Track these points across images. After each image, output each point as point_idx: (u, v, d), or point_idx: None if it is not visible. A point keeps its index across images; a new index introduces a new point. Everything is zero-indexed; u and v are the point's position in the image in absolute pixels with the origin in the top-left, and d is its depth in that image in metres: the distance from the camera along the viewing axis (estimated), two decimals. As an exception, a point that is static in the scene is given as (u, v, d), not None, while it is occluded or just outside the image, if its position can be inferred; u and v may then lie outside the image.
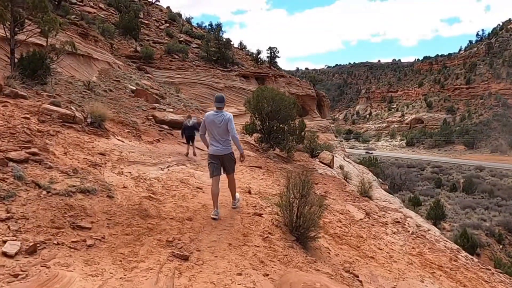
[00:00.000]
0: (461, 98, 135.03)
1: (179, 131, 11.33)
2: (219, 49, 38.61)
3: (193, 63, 35.27)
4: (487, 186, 62.83)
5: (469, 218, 46.84)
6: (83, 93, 11.12)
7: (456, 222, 44.80)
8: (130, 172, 6.06)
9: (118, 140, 7.97)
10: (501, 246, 39.15)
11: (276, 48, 48.18)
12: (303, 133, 14.43)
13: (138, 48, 30.97)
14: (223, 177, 5.97)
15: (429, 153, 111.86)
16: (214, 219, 5.46)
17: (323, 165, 19.43)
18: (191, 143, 10.10)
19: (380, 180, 37.21)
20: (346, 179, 13.62)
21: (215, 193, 5.78)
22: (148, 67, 27.90)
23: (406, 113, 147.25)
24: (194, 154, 9.91)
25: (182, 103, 20.11)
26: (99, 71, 16.19)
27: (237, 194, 6.26)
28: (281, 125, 13.48)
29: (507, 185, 65.23)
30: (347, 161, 33.56)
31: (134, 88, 15.51)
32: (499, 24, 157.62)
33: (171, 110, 15.12)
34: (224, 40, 40.16)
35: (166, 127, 12.59)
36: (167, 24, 41.52)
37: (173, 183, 6.22)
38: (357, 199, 9.25)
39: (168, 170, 7.11)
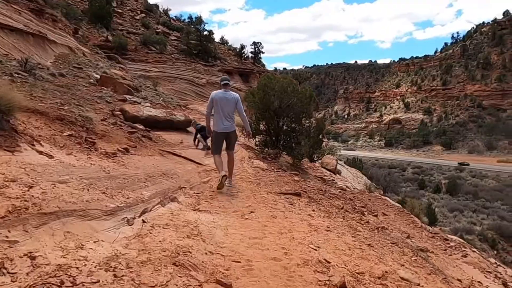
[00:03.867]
0: (438, 99, 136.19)
1: (163, 134, 8.30)
2: (200, 42, 35.34)
3: (172, 56, 31.87)
4: (470, 187, 62.19)
5: (459, 221, 45.47)
6: (15, 75, 7.59)
7: (447, 226, 43.12)
8: (31, 257, 2.28)
9: (42, 153, 4.06)
10: (495, 252, 37.81)
11: (261, 43, 45.30)
12: (321, 135, 11.55)
13: (110, 38, 27.33)
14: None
15: (408, 153, 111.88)
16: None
17: (328, 172, 16.69)
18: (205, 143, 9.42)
19: (374, 184, 35.15)
20: (384, 194, 10.83)
21: (220, 163, 6.11)
22: (121, 58, 24.36)
23: (384, 113, 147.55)
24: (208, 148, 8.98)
25: (161, 98, 16.86)
26: (56, 56, 12.79)
27: None
28: (293, 125, 10.56)
29: (489, 186, 64.82)
30: (341, 164, 31.16)
31: (99, 77, 12.09)
32: (473, 27, 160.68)
33: (148, 104, 11.85)
34: (205, 32, 36.94)
35: (140, 127, 8.96)
36: (143, 15, 37.81)
37: (155, 275, 2.53)
38: (445, 240, 6.38)
39: (144, 223, 3.57)
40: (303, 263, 3.28)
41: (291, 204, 5.53)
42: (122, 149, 5.95)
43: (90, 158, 4.79)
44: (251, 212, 4.78)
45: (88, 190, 3.55)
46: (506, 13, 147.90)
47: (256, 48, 44.51)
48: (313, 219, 4.86)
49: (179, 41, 35.46)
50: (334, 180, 11.91)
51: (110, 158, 5.19)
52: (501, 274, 5.26)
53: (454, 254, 5.49)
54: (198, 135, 10.01)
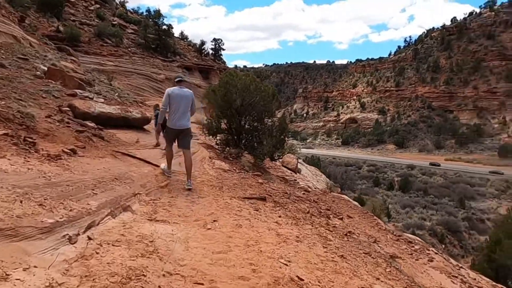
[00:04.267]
0: (391, 100, 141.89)
1: (117, 132, 7.65)
2: (159, 36, 34.17)
3: (129, 49, 30.53)
4: (420, 184, 65.22)
5: (410, 217, 47.57)
6: None
7: (399, 222, 44.93)
8: None
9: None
10: (443, 246, 39.86)
11: (221, 40, 44.68)
12: (283, 135, 11.30)
13: (61, 28, 25.63)
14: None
15: (364, 151, 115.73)
16: (168, 175, 6.24)
17: (289, 171, 16.58)
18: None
19: (332, 182, 35.75)
20: (342, 192, 10.77)
21: (171, 157, 6.33)
22: (73, 50, 22.88)
23: (341, 113, 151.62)
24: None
25: (117, 94, 15.92)
26: (-3, 44, 11.58)
27: None
28: (255, 124, 10.23)
29: (437, 183, 68.25)
30: (301, 163, 31.37)
31: (46, 69, 11.06)
32: (424, 32, 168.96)
33: (102, 100, 11.03)
34: (164, 26, 35.78)
35: (91, 124, 8.12)
36: (98, 6, 35.90)
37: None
38: (409, 243, 6.28)
39: (90, 241, 3.05)
40: (274, 282, 2.94)
41: (257, 210, 5.15)
42: (68, 150, 5.27)
43: (27, 161, 4.14)
44: (214, 221, 4.37)
45: (21, 202, 2.97)
46: (453, 19, 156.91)
47: (217, 45, 43.84)
48: (281, 227, 4.53)
49: (136, 35, 34.05)
50: (296, 180, 11.76)
51: (53, 161, 4.54)
52: (466, 278, 5.26)
53: (421, 258, 5.42)
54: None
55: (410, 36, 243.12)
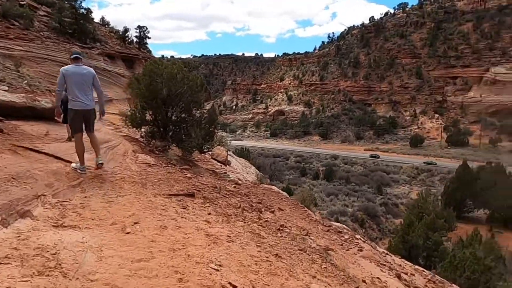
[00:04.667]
0: (316, 93, 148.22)
1: (23, 124, 6.65)
2: (76, 20, 31.32)
3: (42, 33, 27.53)
4: (343, 173, 69.08)
5: (334, 205, 50.15)
6: None
7: (325, 210, 47.08)
8: None
9: None
10: (363, 230, 42.67)
11: (146, 28, 42.37)
12: (213, 127, 10.84)
13: (-46, 5, 22.25)
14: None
15: (291, 143, 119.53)
16: (82, 172, 5.53)
17: (219, 164, 16.25)
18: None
19: (262, 173, 36.20)
20: (271, 183, 10.66)
21: (82, 150, 5.69)
22: (-30, 31, 19.98)
23: (269, 105, 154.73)
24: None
25: (25, 81, 14.18)
26: None
27: None
28: (183, 115, 9.65)
29: (358, 172, 72.89)
30: (231, 155, 31.22)
31: None
32: (345, 29, 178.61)
33: (6, 88, 9.62)
34: (82, 10, 32.91)
35: None
36: (1, -18, 31.83)
37: None
38: (339, 233, 6.25)
39: None
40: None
41: (184, 208, 4.70)
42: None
43: None
44: (135, 223, 3.85)
45: None
46: (371, 19, 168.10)
47: (142, 33, 41.55)
48: (211, 226, 4.16)
49: (50, 18, 30.83)
50: (226, 172, 11.46)
51: None
52: (392, 265, 5.41)
53: (351, 248, 5.45)
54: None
55: (333, 33, 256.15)
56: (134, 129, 10.24)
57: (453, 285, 6.55)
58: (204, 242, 3.61)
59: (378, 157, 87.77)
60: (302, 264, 3.65)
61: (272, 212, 6.54)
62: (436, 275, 5.95)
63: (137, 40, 41.53)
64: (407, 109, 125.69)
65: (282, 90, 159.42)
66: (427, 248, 27.38)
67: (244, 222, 4.67)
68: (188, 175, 7.18)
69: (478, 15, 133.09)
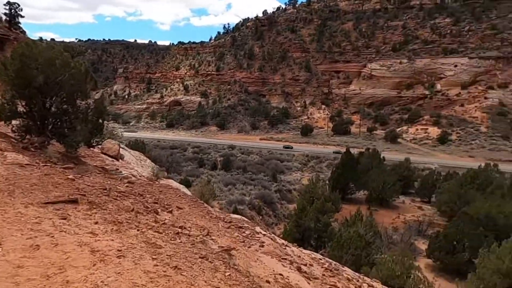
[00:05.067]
0: (213, 83, 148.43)
1: None
2: None
3: None
4: (240, 163, 70.70)
5: (232, 194, 51.01)
6: None
7: (223, 200, 47.66)
8: None
9: None
10: (260, 217, 44.33)
11: (19, 5, 37.00)
12: (101, 118, 9.73)
13: None
14: None
15: (188, 134, 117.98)
16: None
17: (110, 159, 15.03)
18: None
19: (158, 166, 34.82)
20: (168, 176, 10.09)
21: None
22: None
23: (165, 95, 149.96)
24: None
25: None
26: None
27: None
28: (65, 106, 8.46)
29: (254, 161, 75.39)
30: (123, 148, 29.31)
31: None
32: (240, 21, 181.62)
33: None
34: None
35: None
36: None
37: None
38: (240, 229, 5.99)
39: None
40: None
41: (64, 219, 3.94)
42: None
43: None
44: (-4, 245, 3.09)
45: None
46: (265, 12, 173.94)
47: (13, 10, 36.08)
48: (98, 239, 3.53)
49: None
50: (118, 168, 10.55)
51: None
52: (292, 257, 5.49)
53: (253, 245, 5.35)
54: None
55: (228, 24, 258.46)
56: (3, 122, 8.66)
57: (345, 267, 6.99)
58: (88, 261, 3.03)
59: (291, 148, 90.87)
60: (204, 275, 3.35)
61: (170, 212, 6.11)
62: (333, 263, 6.27)
63: (7, 19, 36.02)
64: (298, 100, 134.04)
65: (178, 79, 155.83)
66: (318, 230, 29.64)
67: (138, 230, 4.15)
68: (71, 176, 6.26)
69: (357, 16, 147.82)
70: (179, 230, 4.86)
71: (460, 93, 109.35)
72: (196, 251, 4.01)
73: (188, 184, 47.99)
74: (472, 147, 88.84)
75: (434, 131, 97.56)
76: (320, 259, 6.20)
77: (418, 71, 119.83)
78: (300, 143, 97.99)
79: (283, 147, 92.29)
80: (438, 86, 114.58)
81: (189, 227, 5.38)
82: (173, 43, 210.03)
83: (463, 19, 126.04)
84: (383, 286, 6.37)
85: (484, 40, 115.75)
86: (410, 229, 37.76)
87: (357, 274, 6.25)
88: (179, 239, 4.32)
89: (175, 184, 11.22)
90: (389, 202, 46.85)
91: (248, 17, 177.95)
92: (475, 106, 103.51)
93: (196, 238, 4.52)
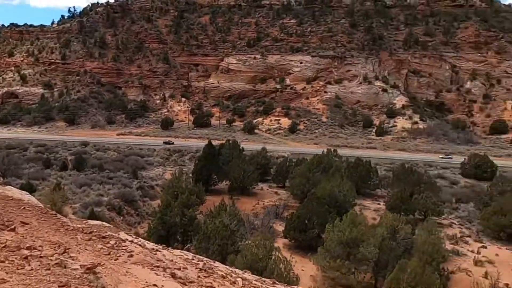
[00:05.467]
0: (58, 73, 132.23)
1: None
2: None
3: None
4: (95, 161, 65.04)
5: (88, 196, 46.62)
6: None
7: (77, 203, 43.30)
8: None
9: None
10: (122, 218, 41.66)
11: None
12: None
13: None
14: None
15: (29, 131, 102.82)
16: None
17: None
18: None
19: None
20: (5, 181, 8.46)
21: None
22: None
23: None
24: None
25: None
26: None
27: None
28: None
29: (111, 157, 70.46)
30: None
31: None
32: (89, 5, 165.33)
33: None
34: None
35: None
36: None
37: None
38: (103, 240, 5.17)
39: None
40: None
41: None
42: None
43: None
44: None
45: None
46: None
47: None
48: None
49: None
50: None
51: None
52: (164, 262, 5.22)
53: (120, 256, 4.86)
54: None
55: (74, 7, 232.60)
56: None
57: (217, 262, 7.06)
58: None
59: (172, 143, 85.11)
60: None
61: (13, 230, 5.13)
62: (205, 261, 6.23)
63: None
64: (157, 93, 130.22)
65: (13, 68, 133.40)
66: (184, 225, 29.49)
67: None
68: None
69: (213, 10, 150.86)
70: (28, 252, 4.10)
71: (305, 87, 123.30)
72: (54, 278, 3.39)
73: (32, 189, 41.86)
74: (316, 135, 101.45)
75: (285, 122, 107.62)
76: (193, 259, 6.10)
77: (270, 66, 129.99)
78: (161, 136, 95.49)
79: (163, 142, 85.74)
80: (288, 81, 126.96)
81: (40, 246, 4.61)
82: (3, 25, 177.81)
83: (306, 21, 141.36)
84: (254, 276, 6.67)
85: (323, 41, 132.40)
86: (269, 213, 40.81)
87: (229, 268, 6.36)
88: (29, 265, 3.61)
89: (15, 191, 9.58)
90: (249, 190, 49.65)
91: (97, 2, 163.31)
92: (318, 99, 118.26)
93: (51, 260, 3.86)
